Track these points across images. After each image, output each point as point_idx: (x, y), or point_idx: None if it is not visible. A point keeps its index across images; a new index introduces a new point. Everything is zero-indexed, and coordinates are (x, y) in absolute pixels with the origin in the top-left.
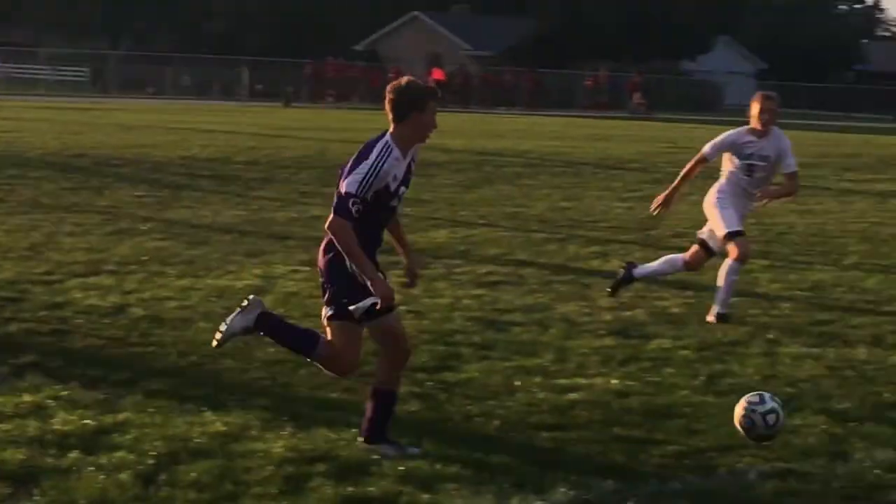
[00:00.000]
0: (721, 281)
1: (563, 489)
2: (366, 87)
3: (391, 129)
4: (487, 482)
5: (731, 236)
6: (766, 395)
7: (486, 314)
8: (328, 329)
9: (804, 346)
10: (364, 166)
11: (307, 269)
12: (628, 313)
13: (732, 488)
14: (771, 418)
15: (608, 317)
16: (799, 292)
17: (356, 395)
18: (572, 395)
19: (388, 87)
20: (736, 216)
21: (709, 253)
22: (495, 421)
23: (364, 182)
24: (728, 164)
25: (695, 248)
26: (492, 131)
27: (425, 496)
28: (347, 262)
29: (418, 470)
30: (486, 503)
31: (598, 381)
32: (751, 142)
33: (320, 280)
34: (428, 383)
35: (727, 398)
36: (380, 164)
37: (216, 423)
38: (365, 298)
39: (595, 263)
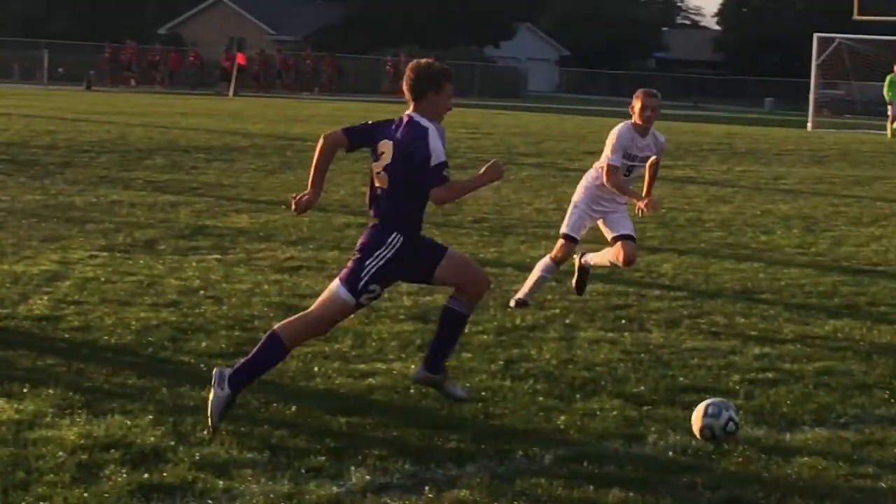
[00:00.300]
0: (535, 272)
1: (359, 474)
2: (166, 71)
3: (411, 108)
4: (284, 468)
5: (564, 237)
6: (722, 408)
7: (286, 299)
8: (329, 293)
9: (601, 330)
10: (440, 141)
11: (105, 254)
12: (428, 298)
13: (528, 472)
14: (731, 426)
15: (408, 302)
16: (596, 277)
17: (152, 382)
18: (370, 381)
19: (408, 67)
20: (580, 222)
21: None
22: (293, 406)
23: (439, 149)
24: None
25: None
26: (294, 116)
27: (221, 482)
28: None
29: (214, 456)
30: (283, 489)
31: (397, 366)
32: (638, 144)
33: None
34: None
35: (524, 382)
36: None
37: (8, 410)
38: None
39: None
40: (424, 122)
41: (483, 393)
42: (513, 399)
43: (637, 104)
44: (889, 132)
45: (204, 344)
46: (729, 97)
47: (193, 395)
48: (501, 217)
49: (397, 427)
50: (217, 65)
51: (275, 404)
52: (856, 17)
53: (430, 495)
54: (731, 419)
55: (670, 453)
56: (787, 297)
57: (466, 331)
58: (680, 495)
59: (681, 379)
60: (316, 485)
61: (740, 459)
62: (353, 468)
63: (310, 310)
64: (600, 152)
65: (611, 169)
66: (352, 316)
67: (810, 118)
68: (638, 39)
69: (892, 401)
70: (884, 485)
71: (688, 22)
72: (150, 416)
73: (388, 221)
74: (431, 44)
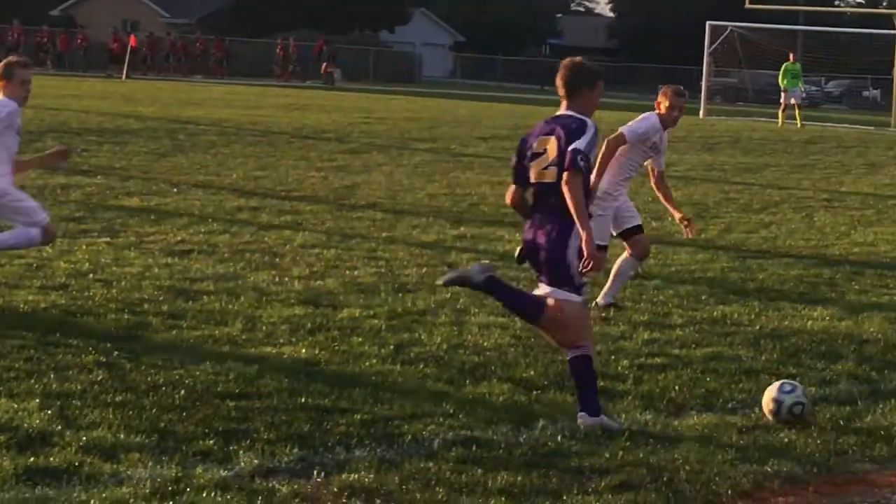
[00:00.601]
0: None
1: (248, 458)
2: (55, 53)
3: (564, 105)
4: (172, 452)
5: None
6: (797, 389)
7: (177, 283)
8: (559, 309)
9: (492, 315)
10: (589, 134)
11: None
12: (319, 283)
13: (417, 456)
14: (798, 408)
15: (299, 286)
16: (489, 262)
17: (39, 366)
18: (260, 365)
19: (562, 64)
20: (607, 229)
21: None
22: (181, 390)
23: (589, 144)
24: (621, 155)
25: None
26: (187, 100)
27: (108, 466)
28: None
29: (101, 440)
30: (170, 473)
31: (287, 350)
32: (662, 137)
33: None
34: (114, 353)
35: (414, 367)
36: (595, 134)
37: None
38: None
39: (287, 233)
40: (580, 116)
41: (373, 377)
42: (402, 383)
43: (666, 102)
44: (780, 120)
45: (93, 327)
46: (622, 84)
47: (81, 379)
48: (394, 202)
49: (286, 411)
50: (105, 47)
51: (163, 388)
52: (748, 5)
53: (318, 479)
54: (799, 402)
55: (559, 438)
56: (676, 283)
57: (357, 315)
58: (568, 480)
59: None
60: (204, 469)
61: (628, 444)
62: (241, 452)
63: (563, 338)
64: (495, 137)
65: (620, 137)
66: (241, 299)
67: (702, 106)
68: (532, 26)
69: None
70: (769, 469)
71: (582, 9)
72: (37, 400)
73: (565, 212)
74: (327, 28)
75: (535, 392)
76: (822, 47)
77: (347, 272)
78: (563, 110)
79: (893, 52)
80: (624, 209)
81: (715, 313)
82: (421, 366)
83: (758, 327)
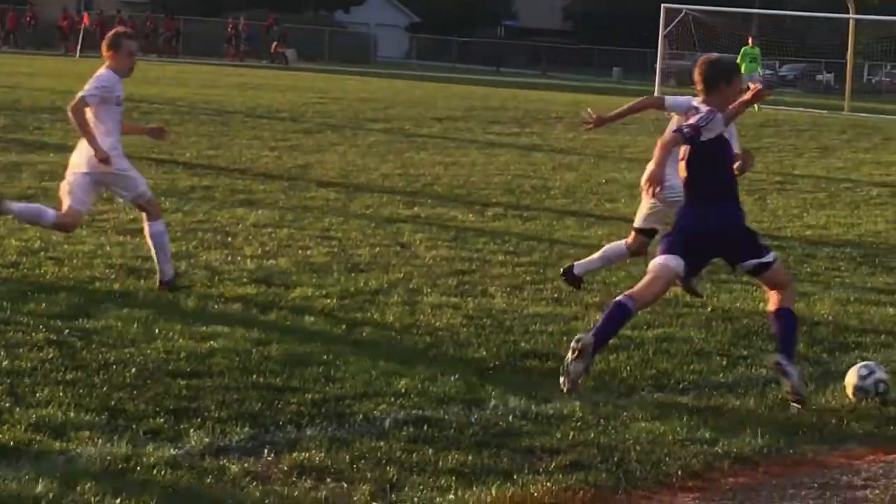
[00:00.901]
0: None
1: (198, 436)
2: (2, 31)
3: (701, 99)
4: (122, 430)
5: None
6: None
7: (128, 262)
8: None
9: (444, 295)
10: (708, 118)
11: None
12: (272, 262)
13: (368, 435)
14: (882, 386)
15: (251, 265)
16: (441, 242)
17: None
18: (212, 343)
19: (701, 61)
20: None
21: (649, 236)
22: (132, 368)
23: (699, 121)
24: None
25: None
26: (142, 78)
27: (58, 444)
28: None
29: (51, 418)
30: (121, 451)
31: (239, 329)
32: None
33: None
34: (65, 331)
35: (366, 347)
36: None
37: None
38: None
39: (240, 212)
40: (711, 109)
41: (325, 357)
42: (354, 363)
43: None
44: None
45: (44, 305)
46: (577, 66)
47: (31, 357)
48: (348, 181)
49: (237, 390)
50: (55, 25)
51: (114, 366)
52: None
53: (269, 458)
54: (881, 380)
55: (510, 418)
56: (628, 264)
57: (309, 294)
58: (519, 459)
59: (522, 344)
60: (154, 447)
61: (579, 424)
62: (192, 431)
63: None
64: (449, 118)
65: (656, 100)
66: (194, 278)
67: (657, 88)
68: (488, 7)
69: (730, 367)
70: (719, 449)
71: None
72: None
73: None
74: (282, 8)
75: (487, 372)
76: (777, 31)
77: (300, 251)
78: (698, 103)
79: (847, 36)
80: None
81: (667, 295)
82: (373, 345)
83: (709, 309)
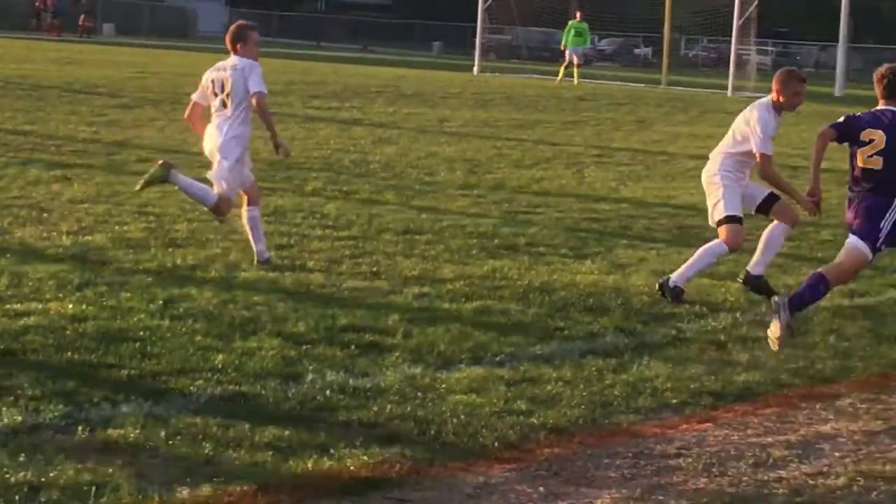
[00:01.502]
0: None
1: (10, 414)
2: None
3: (883, 103)
4: None
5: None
6: None
7: None
8: (851, 248)
9: (262, 270)
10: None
11: None
12: (88, 238)
13: (184, 411)
14: None
15: (67, 241)
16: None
17: None
18: (26, 321)
19: (888, 69)
20: (738, 200)
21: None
22: None
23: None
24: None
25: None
26: None
27: None
28: None
29: None
30: None
31: (53, 305)
32: (776, 126)
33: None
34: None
35: (183, 322)
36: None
37: None
38: None
39: (56, 188)
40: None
41: (141, 333)
42: (171, 339)
43: (787, 89)
44: (560, 76)
45: None
46: (398, 41)
47: None
48: (166, 157)
49: (51, 367)
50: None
51: None
52: None
53: (83, 436)
54: None
55: (328, 392)
56: (447, 238)
57: (125, 269)
58: (336, 433)
59: (340, 319)
60: None
61: (396, 398)
62: (4, 409)
63: (837, 261)
64: (270, 93)
65: (768, 159)
66: (7, 255)
67: (476, 62)
68: None
69: (546, 339)
70: (535, 420)
71: None
72: None
73: (886, 190)
74: None
75: (304, 346)
76: (595, 5)
77: (117, 227)
78: (881, 106)
79: (664, 11)
80: (752, 187)
81: (485, 268)
82: (190, 321)
83: (527, 281)
